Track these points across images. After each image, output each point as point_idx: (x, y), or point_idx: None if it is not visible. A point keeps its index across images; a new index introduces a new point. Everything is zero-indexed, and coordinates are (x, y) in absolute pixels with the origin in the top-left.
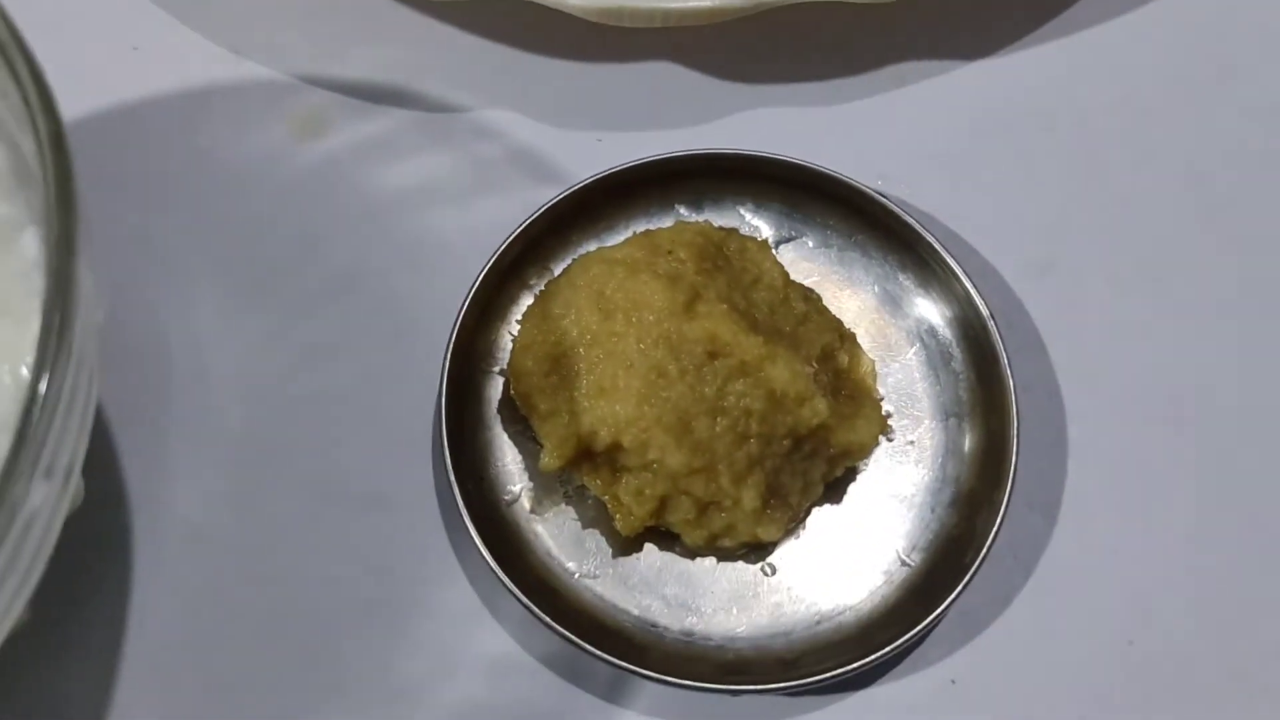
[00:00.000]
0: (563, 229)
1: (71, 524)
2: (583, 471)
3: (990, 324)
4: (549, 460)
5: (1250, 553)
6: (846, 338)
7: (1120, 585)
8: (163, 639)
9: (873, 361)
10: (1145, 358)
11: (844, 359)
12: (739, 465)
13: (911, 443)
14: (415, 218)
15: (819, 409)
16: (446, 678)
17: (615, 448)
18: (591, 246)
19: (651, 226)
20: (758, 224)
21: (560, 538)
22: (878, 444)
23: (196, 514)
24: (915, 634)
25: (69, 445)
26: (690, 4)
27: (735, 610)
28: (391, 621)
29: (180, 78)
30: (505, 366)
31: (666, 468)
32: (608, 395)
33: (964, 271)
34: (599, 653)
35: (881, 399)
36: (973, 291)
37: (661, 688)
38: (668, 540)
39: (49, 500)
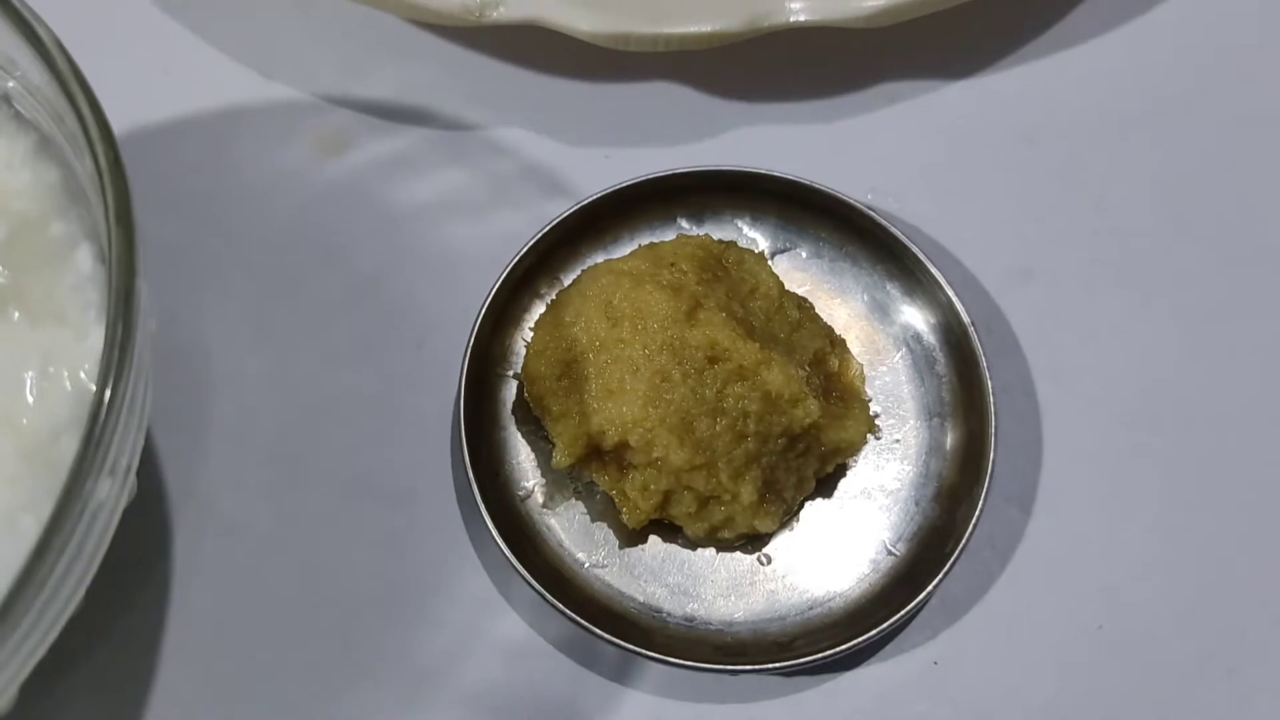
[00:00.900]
0: (572, 241)
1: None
2: (592, 468)
3: (971, 330)
4: (561, 458)
5: (1212, 543)
6: (837, 343)
7: (1091, 574)
8: (201, 625)
9: (861, 365)
10: (1116, 362)
11: (835, 363)
12: (737, 462)
13: (898, 441)
14: (433, 230)
15: (811, 410)
16: (466, 660)
17: (622, 446)
18: (599, 258)
19: (655, 239)
20: (754, 236)
21: (571, 530)
22: (866, 442)
23: (232, 509)
24: (900, 618)
25: (129, 445)
26: (691, 29)
27: (733, 597)
28: (415, 608)
29: (211, 98)
30: (519, 370)
31: (670, 465)
32: (615, 397)
33: (947, 281)
34: (607, 636)
35: (870, 400)
36: (955, 300)
37: (665, 668)
38: (670, 532)
39: (111, 495)
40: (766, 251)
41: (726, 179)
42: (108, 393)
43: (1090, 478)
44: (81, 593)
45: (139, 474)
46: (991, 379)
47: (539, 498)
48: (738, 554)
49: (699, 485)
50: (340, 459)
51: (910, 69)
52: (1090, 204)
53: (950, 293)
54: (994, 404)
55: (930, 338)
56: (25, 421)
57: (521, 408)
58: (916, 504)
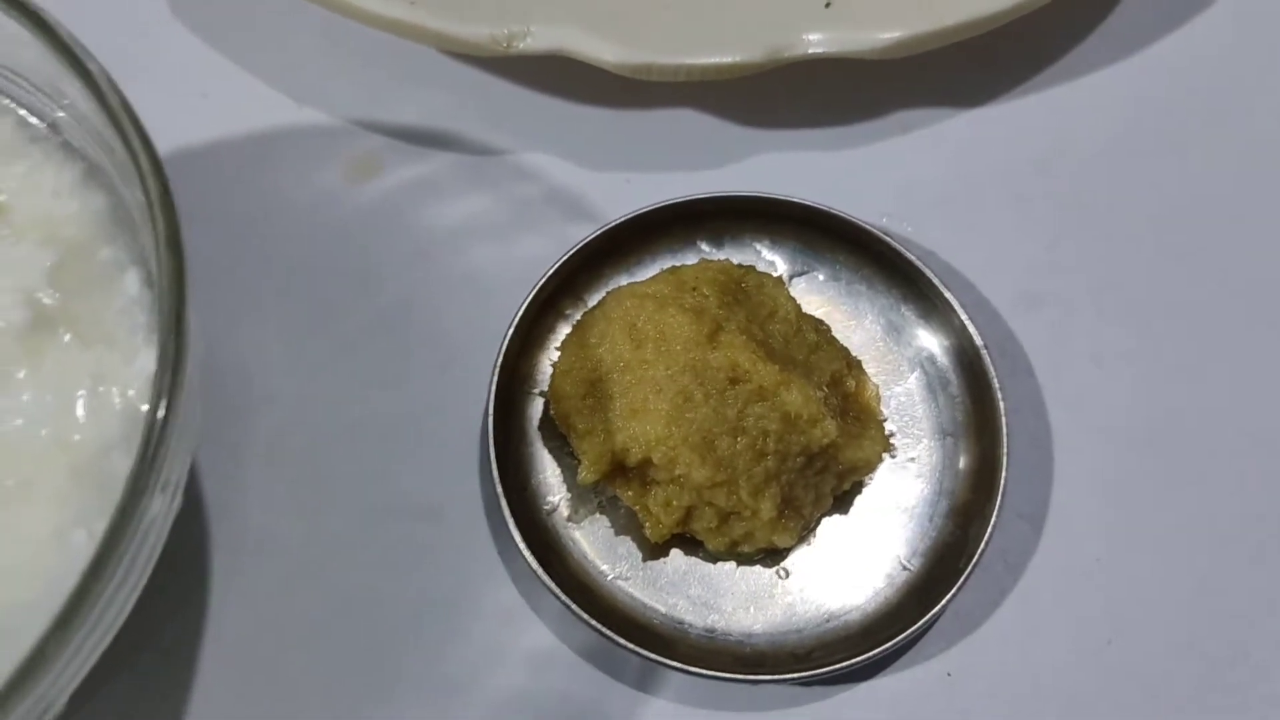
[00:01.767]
0: (595, 264)
1: None
2: (616, 484)
3: (984, 353)
4: (586, 474)
5: (1218, 561)
6: (854, 364)
7: (1100, 589)
8: (238, 634)
9: (877, 386)
10: (1125, 384)
11: (851, 384)
12: (757, 479)
13: (912, 459)
14: (461, 253)
15: (829, 429)
16: (494, 669)
17: (646, 463)
18: (622, 280)
19: (676, 262)
20: (773, 259)
21: (595, 543)
22: (881, 460)
23: (268, 524)
24: (914, 631)
25: (180, 462)
26: (711, 60)
27: (753, 609)
28: (445, 619)
29: (245, 123)
30: (545, 389)
31: (692, 481)
32: (639, 416)
33: (960, 304)
34: (631, 646)
35: (885, 420)
36: (968, 323)
37: (687, 678)
38: (692, 546)
39: (162, 510)
40: (785, 275)
41: (745, 204)
42: (160, 411)
43: (1100, 496)
44: (133, 603)
45: None
46: (1004, 400)
47: (564, 512)
48: (757, 568)
49: (720, 501)
50: (373, 475)
51: (924, 98)
52: (1100, 231)
53: (964, 316)
54: (1006, 424)
55: (944, 360)
56: (76, 438)
57: (547, 425)
58: (930, 520)
